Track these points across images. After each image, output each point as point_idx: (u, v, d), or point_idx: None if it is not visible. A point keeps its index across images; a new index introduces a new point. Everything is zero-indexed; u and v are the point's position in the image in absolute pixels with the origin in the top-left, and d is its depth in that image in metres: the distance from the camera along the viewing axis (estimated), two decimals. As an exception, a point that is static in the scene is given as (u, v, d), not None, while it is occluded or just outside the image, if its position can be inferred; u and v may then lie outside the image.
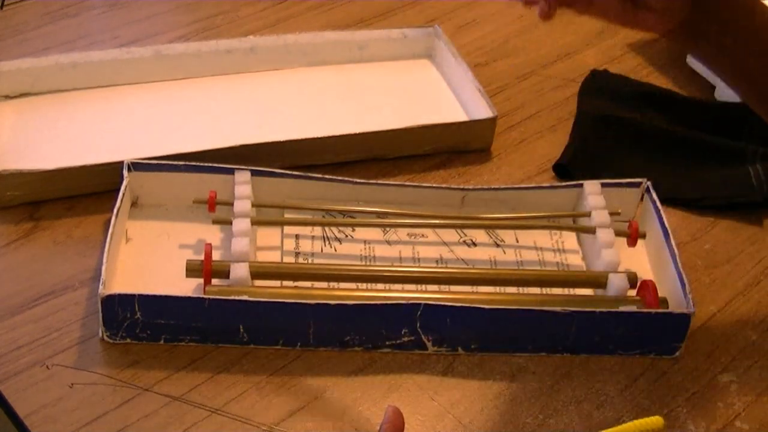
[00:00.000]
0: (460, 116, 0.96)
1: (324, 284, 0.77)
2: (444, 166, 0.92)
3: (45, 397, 0.68)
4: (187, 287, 0.75)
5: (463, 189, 0.84)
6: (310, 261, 0.79)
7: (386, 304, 0.71)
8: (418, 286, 0.78)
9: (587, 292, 0.78)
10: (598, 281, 0.77)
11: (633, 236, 0.80)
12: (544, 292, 0.78)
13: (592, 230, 0.80)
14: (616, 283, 0.75)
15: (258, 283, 0.75)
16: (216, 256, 0.78)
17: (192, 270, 0.74)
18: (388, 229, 0.83)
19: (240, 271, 0.73)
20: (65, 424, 0.67)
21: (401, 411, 0.59)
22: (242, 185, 0.80)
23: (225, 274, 0.74)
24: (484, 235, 0.84)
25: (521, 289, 0.78)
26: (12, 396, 0.67)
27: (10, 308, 0.75)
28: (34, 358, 0.71)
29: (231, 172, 0.81)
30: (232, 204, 0.79)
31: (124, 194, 0.78)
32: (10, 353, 0.71)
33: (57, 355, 0.71)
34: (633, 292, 0.76)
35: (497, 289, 0.78)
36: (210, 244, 0.74)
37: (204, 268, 0.73)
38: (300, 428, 0.68)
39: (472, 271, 0.79)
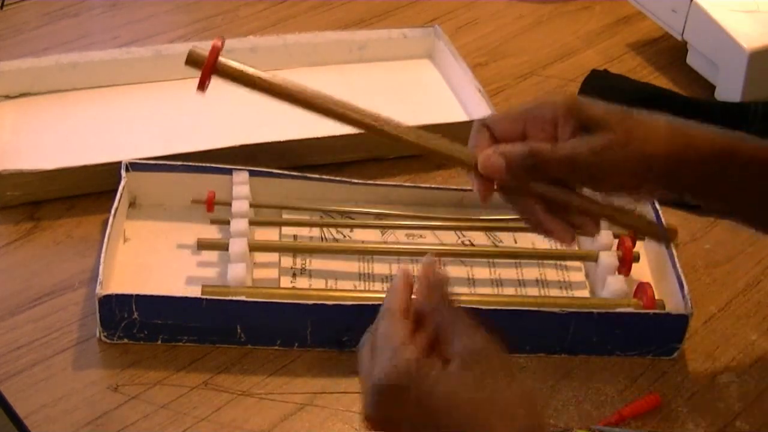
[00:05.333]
0: (460, 116, 0.96)
1: (321, 284, 0.77)
2: (444, 166, 0.91)
3: (45, 397, 0.68)
4: (185, 288, 0.75)
5: (462, 190, 0.84)
6: (307, 261, 0.79)
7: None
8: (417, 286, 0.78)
9: (584, 293, 0.78)
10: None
11: (632, 238, 0.79)
12: (543, 293, 0.78)
13: (591, 231, 0.80)
14: (614, 285, 0.75)
15: (256, 282, 0.75)
16: (214, 257, 0.78)
17: (193, 61, 0.60)
18: (385, 230, 0.83)
19: (237, 271, 0.73)
20: (65, 424, 0.67)
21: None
22: (240, 185, 0.80)
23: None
24: (482, 236, 0.83)
25: (519, 290, 0.78)
26: (12, 396, 0.68)
27: (10, 308, 0.75)
28: (34, 358, 0.71)
29: (229, 172, 0.81)
30: (230, 204, 0.79)
31: (121, 194, 0.79)
32: (10, 353, 0.71)
33: (57, 355, 0.71)
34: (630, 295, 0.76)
35: (495, 290, 0.78)
36: (220, 40, 0.60)
37: (207, 62, 0.60)
38: (300, 428, 0.68)
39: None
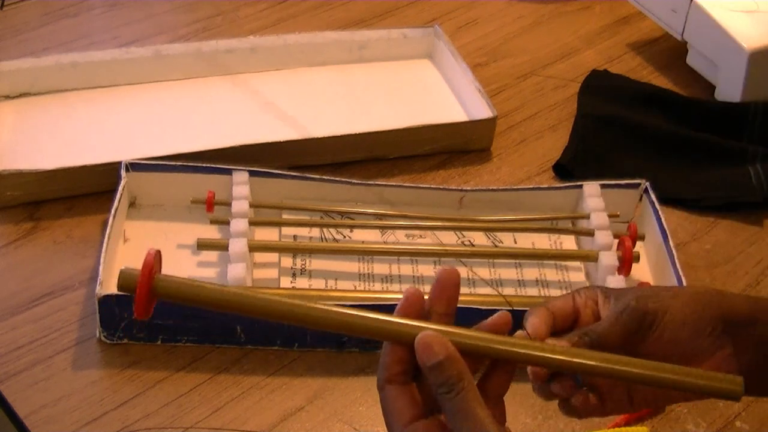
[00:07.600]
0: (460, 116, 0.96)
1: (321, 284, 0.77)
2: (444, 166, 0.92)
3: (45, 397, 0.68)
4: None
5: (461, 190, 0.84)
6: (307, 261, 0.79)
7: (383, 305, 0.71)
8: (416, 286, 0.78)
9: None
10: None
11: (632, 238, 0.79)
12: (543, 293, 0.78)
13: (590, 233, 0.80)
14: (614, 285, 0.75)
15: (256, 282, 0.75)
16: (214, 257, 0.78)
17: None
18: (385, 230, 0.83)
19: (237, 271, 0.73)
20: (65, 424, 0.67)
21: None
22: (240, 185, 0.80)
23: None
24: (482, 236, 0.84)
25: (519, 290, 0.79)
26: (12, 396, 0.67)
27: (10, 308, 0.75)
28: (34, 358, 0.71)
29: (229, 172, 0.81)
30: (230, 204, 0.79)
31: (121, 194, 0.79)
32: (10, 353, 0.71)
33: (57, 355, 0.71)
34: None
35: (495, 290, 0.78)
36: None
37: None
38: (300, 428, 0.68)
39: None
